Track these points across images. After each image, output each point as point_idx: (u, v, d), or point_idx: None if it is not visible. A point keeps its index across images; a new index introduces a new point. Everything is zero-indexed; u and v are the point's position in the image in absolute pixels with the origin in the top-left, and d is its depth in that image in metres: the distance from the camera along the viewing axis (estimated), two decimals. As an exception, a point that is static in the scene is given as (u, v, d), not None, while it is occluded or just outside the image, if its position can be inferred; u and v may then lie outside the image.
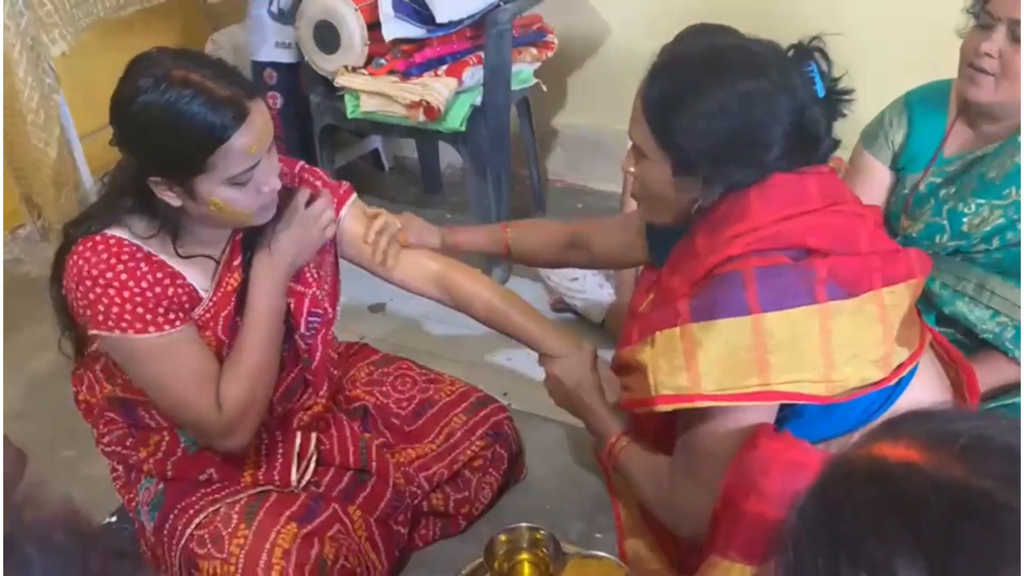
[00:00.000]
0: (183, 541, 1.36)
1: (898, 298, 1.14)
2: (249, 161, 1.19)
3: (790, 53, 1.18)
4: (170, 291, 1.27)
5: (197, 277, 1.31)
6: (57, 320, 1.33)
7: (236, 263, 1.35)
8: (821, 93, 1.16)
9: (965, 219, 1.54)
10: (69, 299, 1.26)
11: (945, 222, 1.56)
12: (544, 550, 1.50)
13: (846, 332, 1.10)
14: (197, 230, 1.29)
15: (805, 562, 0.48)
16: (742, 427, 1.11)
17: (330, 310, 1.47)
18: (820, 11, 2.21)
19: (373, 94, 2.16)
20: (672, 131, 1.13)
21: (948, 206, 1.56)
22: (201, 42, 2.81)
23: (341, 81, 2.19)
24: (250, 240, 1.36)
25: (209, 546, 1.34)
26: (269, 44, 2.44)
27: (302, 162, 1.49)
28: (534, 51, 2.36)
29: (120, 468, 1.49)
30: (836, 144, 1.21)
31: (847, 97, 1.19)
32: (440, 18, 2.07)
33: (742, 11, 2.28)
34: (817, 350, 1.09)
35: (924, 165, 1.62)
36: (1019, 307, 1.52)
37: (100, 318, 1.23)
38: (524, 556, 1.52)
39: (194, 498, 1.40)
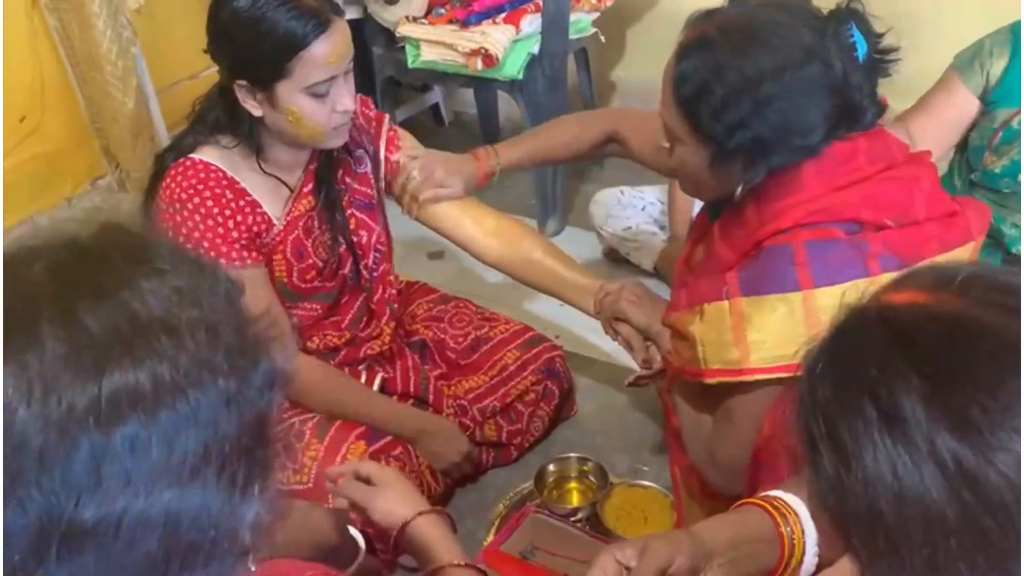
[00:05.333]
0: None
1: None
2: (326, 72, 1.26)
3: (828, 17, 1.10)
4: (249, 219, 1.36)
5: (271, 205, 1.40)
6: None
7: (307, 190, 1.43)
8: (862, 58, 1.10)
9: None
10: (159, 220, 1.35)
11: None
12: (592, 479, 1.56)
13: None
14: (276, 151, 1.37)
15: (817, 401, 0.52)
16: (782, 392, 1.11)
17: (388, 245, 1.55)
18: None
19: (433, 43, 2.20)
20: (704, 120, 1.09)
21: None
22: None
23: (402, 31, 2.24)
24: (323, 170, 1.43)
25: (283, 456, 1.43)
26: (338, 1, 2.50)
27: (359, 95, 1.54)
28: (593, 0, 2.37)
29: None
30: (883, 110, 1.16)
31: (891, 57, 1.13)
32: (499, -33, 2.10)
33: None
34: None
35: (1019, 102, 1.56)
36: None
37: (182, 240, 1.32)
38: (573, 484, 1.58)
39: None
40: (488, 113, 2.91)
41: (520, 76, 2.19)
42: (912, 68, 1.29)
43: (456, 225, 1.55)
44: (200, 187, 1.32)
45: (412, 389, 1.60)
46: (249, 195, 1.36)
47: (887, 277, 1.05)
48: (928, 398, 0.48)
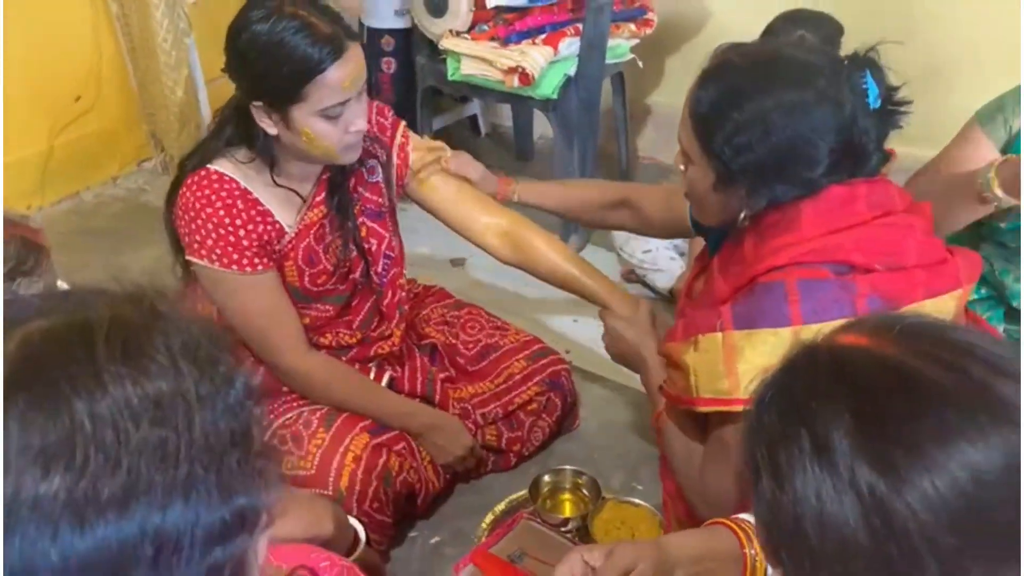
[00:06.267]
0: (267, 439, 1.53)
1: (942, 310, 1.14)
2: (340, 96, 1.31)
3: (845, 63, 1.15)
4: (260, 228, 1.42)
5: (284, 214, 1.45)
6: (170, 244, 1.49)
7: (319, 199, 1.49)
8: (874, 105, 1.15)
9: None
10: (176, 225, 1.43)
11: None
12: (585, 492, 1.61)
13: None
14: (289, 164, 1.43)
15: (762, 427, 0.57)
16: None
17: (400, 252, 1.62)
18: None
19: (473, 58, 2.28)
20: (715, 141, 1.14)
21: None
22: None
23: (445, 44, 2.32)
24: (336, 181, 1.50)
25: (290, 443, 1.49)
26: (388, 11, 2.58)
27: (377, 103, 1.60)
28: (632, 27, 2.43)
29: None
30: (887, 158, 1.20)
31: (903, 109, 1.17)
32: (542, -11, 2.17)
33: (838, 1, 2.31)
34: None
35: None
36: None
37: (195, 246, 1.39)
38: (566, 496, 1.63)
39: (277, 404, 1.56)
40: (523, 128, 2.98)
41: (555, 96, 2.26)
42: (925, 115, 1.33)
43: (463, 225, 1.62)
44: (212, 197, 1.38)
45: (419, 389, 1.66)
46: (261, 205, 1.42)
47: None
48: (854, 433, 0.53)
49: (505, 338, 1.81)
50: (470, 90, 2.45)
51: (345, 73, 1.31)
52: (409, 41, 2.59)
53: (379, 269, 1.59)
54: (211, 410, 0.51)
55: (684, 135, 1.21)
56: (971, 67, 2.30)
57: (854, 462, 0.52)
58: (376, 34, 2.62)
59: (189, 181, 1.40)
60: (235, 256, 1.40)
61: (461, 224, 1.63)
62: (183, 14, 2.51)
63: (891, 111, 1.18)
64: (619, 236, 2.29)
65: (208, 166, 1.40)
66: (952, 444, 0.51)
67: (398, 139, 1.59)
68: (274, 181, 1.42)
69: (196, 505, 0.48)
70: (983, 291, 1.69)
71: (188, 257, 1.43)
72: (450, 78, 2.36)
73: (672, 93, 2.85)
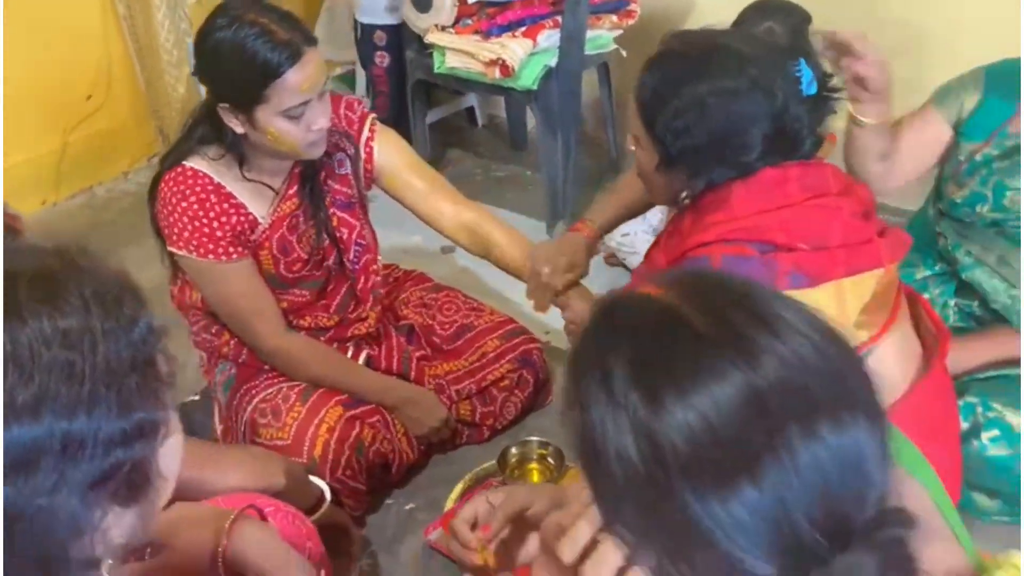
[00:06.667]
0: (249, 412, 1.64)
1: (861, 287, 1.21)
2: (300, 98, 1.40)
3: (780, 51, 1.24)
4: (233, 219, 1.52)
5: (256, 206, 1.56)
6: (155, 236, 1.60)
7: (291, 192, 1.59)
8: (808, 92, 1.22)
9: (1008, 194, 1.59)
10: (157, 219, 1.54)
11: (989, 193, 1.60)
12: (550, 460, 1.70)
13: None
14: (260, 159, 1.53)
15: (575, 364, 0.66)
16: None
17: (371, 239, 1.72)
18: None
19: (457, 51, 2.36)
20: (657, 125, 1.22)
21: (996, 179, 1.60)
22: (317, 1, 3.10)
23: (430, 38, 2.41)
24: (307, 174, 1.59)
25: (269, 416, 1.60)
26: (379, 7, 2.67)
27: (347, 97, 1.69)
28: (614, 18, 2.50)
29: (205, 355, 1.78)
30: (820, 142, 1.27)
31: (836, 95, 1.25)
32: (521, -16, 2.25)
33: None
34: None
35: (986, 137, 1.64)
36: None
37: (174, 238, 1.50)
38: (533, 465, 1.72)
39: (259, 380, 1.67)
40: (516, 119, 3.07)
41: (535, 87, 2.34)
42: (900, 91, 1.38)
43: (429, 216, 1.72)
44: (187, 192, 1.48)
45: (396, 366, 1.76)
46: (235, 198, 1.52)
47: (793, 293, 1.19)
48: (630, 368, 0.61)
49: (480, 319, 1.90)
50: (457, 82, 2.54)
51: (303, 76, 1.40)
52: (401, 36, 2.68)
53: (351, 256, 1.69)
54: (114, 342, 0.61)
55: (633, 118, 1.29)
56: (946, 43, 2.34)
57: (628, 393, 0.60)
58: (369, 29, 2.72)
59: (166, 178, 1.51)
60: (210, 246, 1.51)
61: (429, 217, 1.72)
62: (184, 15, 2.63)
63: (825, 97, 1.26)
64: (599, 221, 2.36)
65: (183, 163, 1.51)
66: (701, 381, 0.59)
67: (365, 133, 1.68)
68: (244, 176, 1.52)
69: (98, 416, 0.59)
70: (937, 267, 1.75)
71: (169, 248, 1.54)
72: (436, 71, 2.45)
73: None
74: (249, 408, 1.63)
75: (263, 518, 0.98)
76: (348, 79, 3.27)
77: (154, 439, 0.63)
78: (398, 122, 2.79)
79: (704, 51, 1.23)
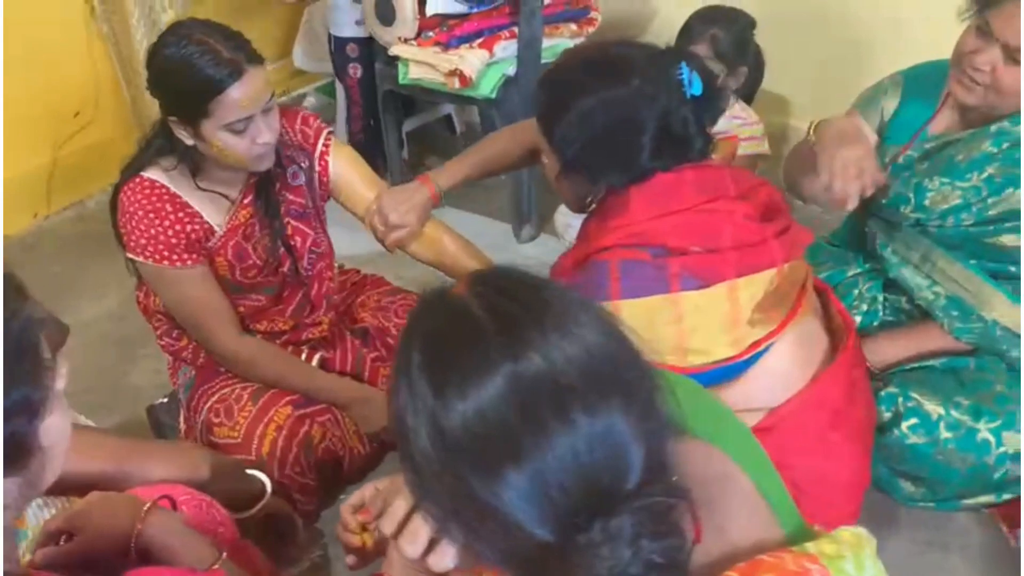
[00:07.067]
0: (205, 412, 1.72)
1: (754, 287, 1.27)
2: (242, 113, 1.48)
3: (662, 57, 1.30)
4: (188, 228, 1.60)
5: (212, 214, 1.64)
6: (119, 244, 1.67)
7: (247, 201, 1.67)
8: (693, 93, 1.28)
9: (929, 195, 1.64)
10: (117, 227, 1.63)
11: (911, 194, 1.67)
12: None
13: (696, 317, 1.25)
14: (213, 170, 1.61)
15: (397, 353, 0.73)
16: None
17: (326, 247, 1.79)
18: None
19: (419, 63, 2.45)
20: (552, 136, 1.31)
21: (916, 180, 1.66)
22: (300, 9, 3.20)
23: (393, 51, 2.50)
24: (262, 184, 1.68)
25: (222, 416, 1.69)
26: (350, 21, 2.75)
27: (303, 113, 1.78)
28: (574, 27, 2.57)
29: (170, 358, 1.87)
30: (710, 141, 1.34)
31: (723, 96, 1.34)
32: (476, -5, 2.33)
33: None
34: (671, 331, 1.25)
35: (907, 139, 1.72)
36: (954, 280, 1.62)
37: (132, 244, 1.59)
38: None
39: (215, 381, 1.75)
40: (489, 126, 3.12)
41: (494, 95, 2.42)
42: (846, 89, 1.42)
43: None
44: (144, 201, 1.57)
45: (349, 367, 1.84)
46: (190, 207, 1.60)
47: (687, 294, 1.25)
48: (423, 361, 0.69)
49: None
50: (423, 92, 2.62)
51: (244, 93, 1.47)
52: (372, 48, 2.77)
53: (305, 264, 1.77)
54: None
55: (535, 128, 1.37)
56: (893, 42, 2.39)
57: (421, 384, 0.68)
58: (341, 42, 2.80)
59: (124, 188, 1.60)
60: (165, 252, 1.59)
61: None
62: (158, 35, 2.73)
63: (711, 98, 1.33)
64: (560, 224, 2.44)
65: (141, 174, 1.60)
66: (475, 374, 0.66)
67: (319, 147, 1.77)
68: (197, 186, 1.61)
69: None
70: (867, 265, 1.81)
71: (128, 255, 1.63)
72: (400, 82, 2.53)
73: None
74: (205, 408, 1.72)
75: (175, 507, 1.06)
76: (328, 89, 3.37)
77: (34, 416, 0.71)
78: (374, 131, 2.89)
79: (589, 63, 1.32)
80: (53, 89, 2.93)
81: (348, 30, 2.77)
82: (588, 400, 0.65)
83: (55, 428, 0.75)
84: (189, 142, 1.54)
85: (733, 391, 1.31)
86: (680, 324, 1.25)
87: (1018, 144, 1.53)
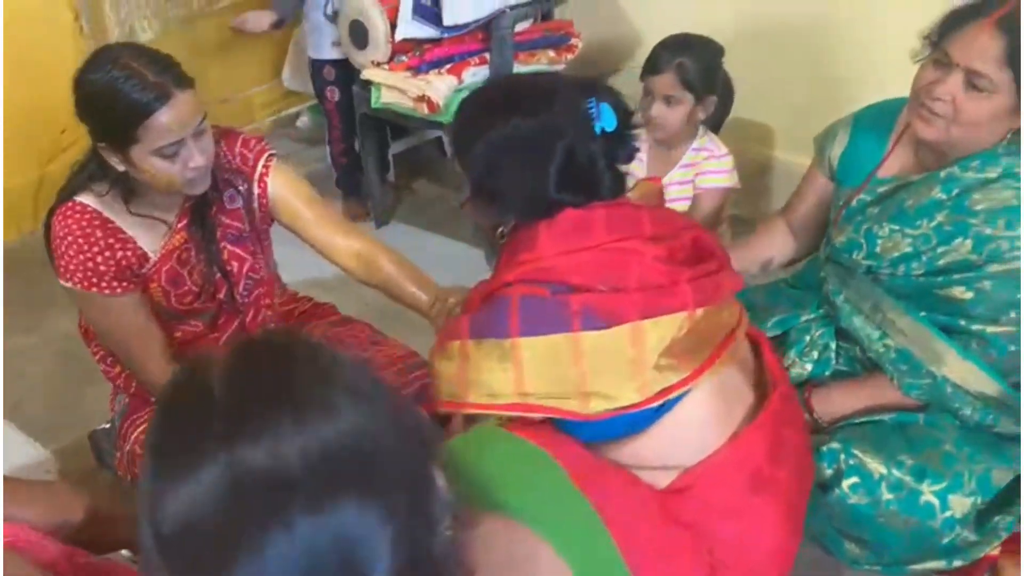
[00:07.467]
0: (131, 443, 1.69)
1: (662, 330, 1.19)
2: (171, 137, 1.45)
3: (574, 90, 1.25)
4: (119, 254, 1.56)
5: (147, 240, 1.61)
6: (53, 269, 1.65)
7: (181, 225, 1.64)
8: (607, 128, 1.24)
9: (879, 241, 1.57)
10: (49, 253, 1.60)
11: (863, 240, 1.60)
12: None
13: (598, 358, 1.18)
14: (148, 194, 1.58)
15: None
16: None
17: (265, 274, 1.74)
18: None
19: (390, 87, 2.42)
20: (464, 163, 1.29)
21: (867, 226, 1.59)
22: (289, 31, 3.19)
23: (366, 74, 2.47)
24: (198, 208, 1.65)
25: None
26: (327, 44, 2.73)
27: (244, 136, 1.74)
28: (551, 53, 2.53)
29: (111, 384, 1.85)
30: (622, 178, 1.30)
31: (635, 133, 1.29)
32: (446, 21, 2.30)
33: (778, 25, 2.34)
34: (572, 372, 1.18)
35: (859, 181, 1.65)
36: (904, 333, 1.54)
37: (62, 270, 1.56)
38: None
39: (144, 411, 1.73)
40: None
41: (462, 122, 2.37)
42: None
43: (324, 248, 1.75)
44: (74, 227, 1.54)
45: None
46: (123, 232, 1.57)
47: (588, 334, 1.19)
48: (149, 443, 0.63)
49: (381, 352, 1.92)
50: (394, 116, 2.59)
51: (172, 117, 1.44)
52: (349, 71, 2.75)
53: (240, 290, 1.73)
54: None
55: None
56: (881, 69, 2.31)
57: (145, 464, 0.62)
58: (319, 65, 2.79)
59: (56, 213, 1.58)
60: (94, 280, 1.56)
61: (322, 246, 1.75)
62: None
63: (624, 135, 1.28)
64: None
65: (73, 198, 1.58)
66: (196, 461, 0.60)
67: (259, 169, 1.73)
68: (129, 211, 1.58)
69: None
70: (821, 310, 1.72)
71: (60, 281, 1.60)
72: (372, 106, 2.51)
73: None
74: (131, 438, 1.69)
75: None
76: (319, 109, 3.36)
77: None
78: (357, 155, 2.86)
79: (505, 92, 1.30)
80: (41, 106, 2.95)
81: (325, 52, 2.75)
82: (315, 499, 0.57)
83: None
84: (121, 168, 1.51)
85: (642, 445, 1.24)
86: (580, 366, 1.18)
87: (967, 192, 1.44)
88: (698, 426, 1.25)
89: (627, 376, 1.19)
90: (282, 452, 0.59)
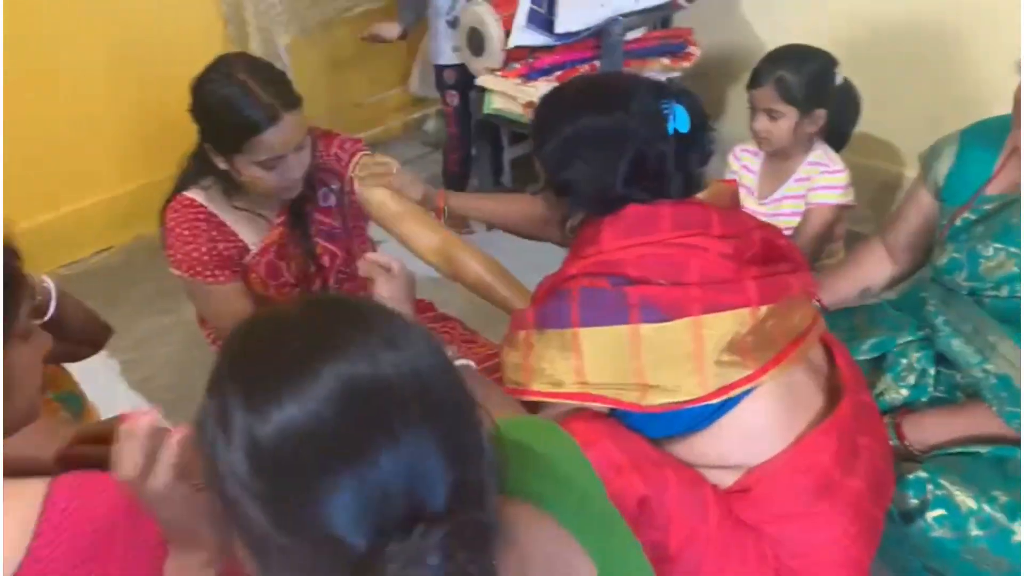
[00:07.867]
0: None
1: (724, 325, 1.18)
2: (274, 153, 1.54)
3: (651, 92, 1.27)
4: (220, 246, 1.68)
5: (248, 233, 1.72)
6: None
7: (279, 221, 1.75)
8: (681, 130, 1.24)
9: (982, 261, 1.50)
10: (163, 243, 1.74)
11: (965, 260, 1.53)
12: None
13: (655, 351, 1.18)
14: (248, 191, 1.69)
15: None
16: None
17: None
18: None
19: (501, 94, 2.47)
20: (541, 155, 1.32)
21: (970, 245, 1.52)
22: (418, 38, 3.31)
23: (480, 81, 2.54)
24: (296, 206, 1.75)
25: None
26: (447, 49, 2.81)
27: (342, 137, 1.82)
28: (665, 61, 2.51)
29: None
30: (694, 179, 1.29)
31: (708, 136, 1.28)
32: (558, 29, 2.33)
33: (910, 39, 2.24)
34: (632, 365, 1.19)
35: (966, 200, 1.57)
36: (1006, 358, 1.44)
37: (171, 260, 1.70)
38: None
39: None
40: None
41: (569, 128, 2.39)
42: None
43: (407, 241, 1.79)
44: (181, 220, 1.66)
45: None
46: (226, 226, 1.69)
47: (648, 326, 1.19)
48: (231, 374, 0.68)
49: (471, 351, 1.97)
50: (506, 123, 2.64)
51: (279, 137, 1.53)
52: (467, 76, 2.83)
53: (331, 283, 1.83)
54: None
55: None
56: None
57: (230, 395, 0.66)
58: (441, 69, 2.88)
59: (168, 206, 1.72)
60: (198, 268, 1.69)
61: (404, 239, 1.81)
62: (281, 55, 2.92)
63: (698, 139, 1.28)
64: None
65: (182, 192, 1.71)
66: (299, 375, 0.65)
67: (351, 167, 1.82)
68: (232, 206, 1.70)
69: None
70: (920, 333, 1.64)
71: (171, 268, 1.74)
72: (484, 112, 2.57)
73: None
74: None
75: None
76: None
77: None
78: (468, 163, 2.94)
79: (583, 89, 1.33)
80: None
81: (446, 57, 2.84)
82: (413, 411, 0.64)
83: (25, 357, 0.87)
84: (223, 167, 1.63)
85: (705, 443, 1.23)
86: (639, 358, 1.19)
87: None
88: (761, 426, 1.22)
89: (687, 370, 1.18)
90: (382, 367, 0.65)
